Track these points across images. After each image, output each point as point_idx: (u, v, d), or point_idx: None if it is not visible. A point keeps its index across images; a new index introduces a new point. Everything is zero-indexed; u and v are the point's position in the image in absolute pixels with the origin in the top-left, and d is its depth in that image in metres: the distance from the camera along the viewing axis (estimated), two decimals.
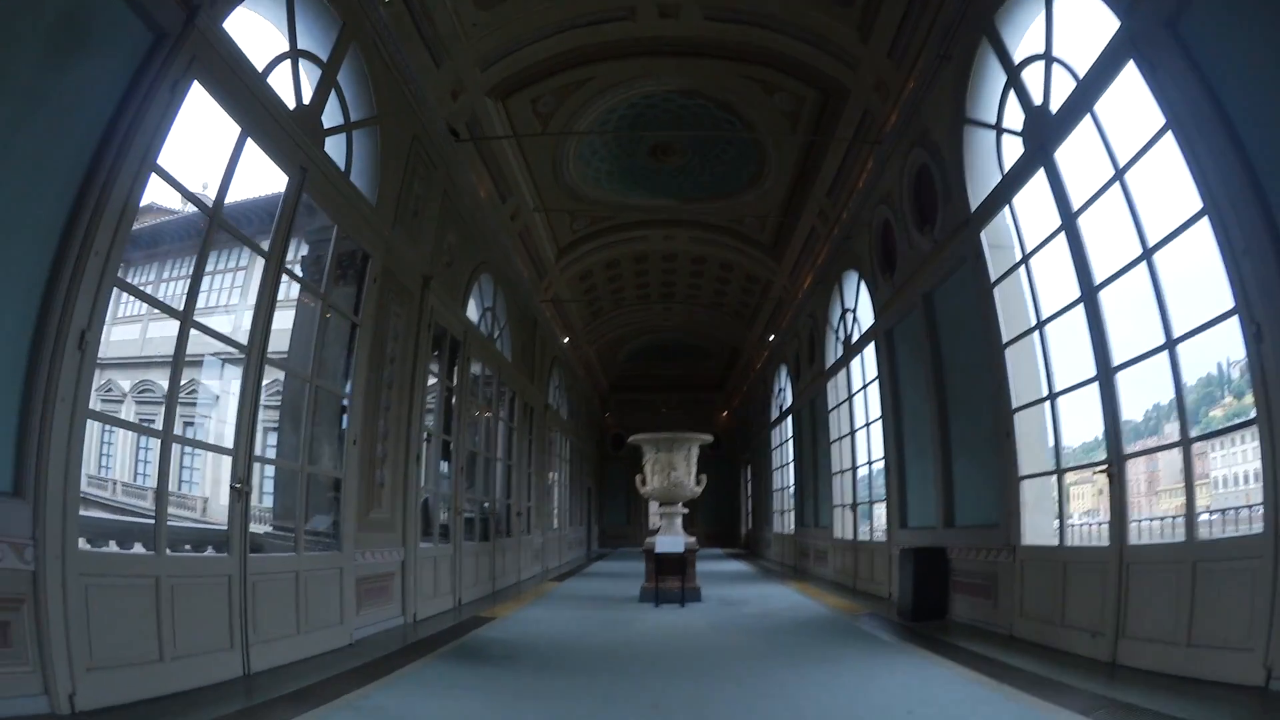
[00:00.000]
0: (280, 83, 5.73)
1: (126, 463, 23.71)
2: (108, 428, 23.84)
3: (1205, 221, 4.55)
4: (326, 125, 6.47)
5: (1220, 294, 4.50)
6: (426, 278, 8.63)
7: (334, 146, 6.69)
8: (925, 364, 8.83)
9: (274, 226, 5.82)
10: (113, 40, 4.19)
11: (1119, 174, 5.33)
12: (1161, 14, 4.65)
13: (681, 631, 7.64)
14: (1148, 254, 5.12)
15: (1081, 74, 5.60)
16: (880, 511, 11.69)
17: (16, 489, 3.75)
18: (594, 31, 8.98)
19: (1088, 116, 5.61)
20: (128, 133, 4.21)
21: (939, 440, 8.51)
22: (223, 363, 19.85)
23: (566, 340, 19.02)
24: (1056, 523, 6.72)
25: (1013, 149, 6.83)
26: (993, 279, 7.14)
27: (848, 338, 12.92)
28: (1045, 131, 6.12)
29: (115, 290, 4.31)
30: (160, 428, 4.86)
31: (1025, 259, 6.78)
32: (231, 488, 5.23)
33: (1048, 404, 6.52)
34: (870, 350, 11.41)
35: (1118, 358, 5.54)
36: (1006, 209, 6.95)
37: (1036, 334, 6.67)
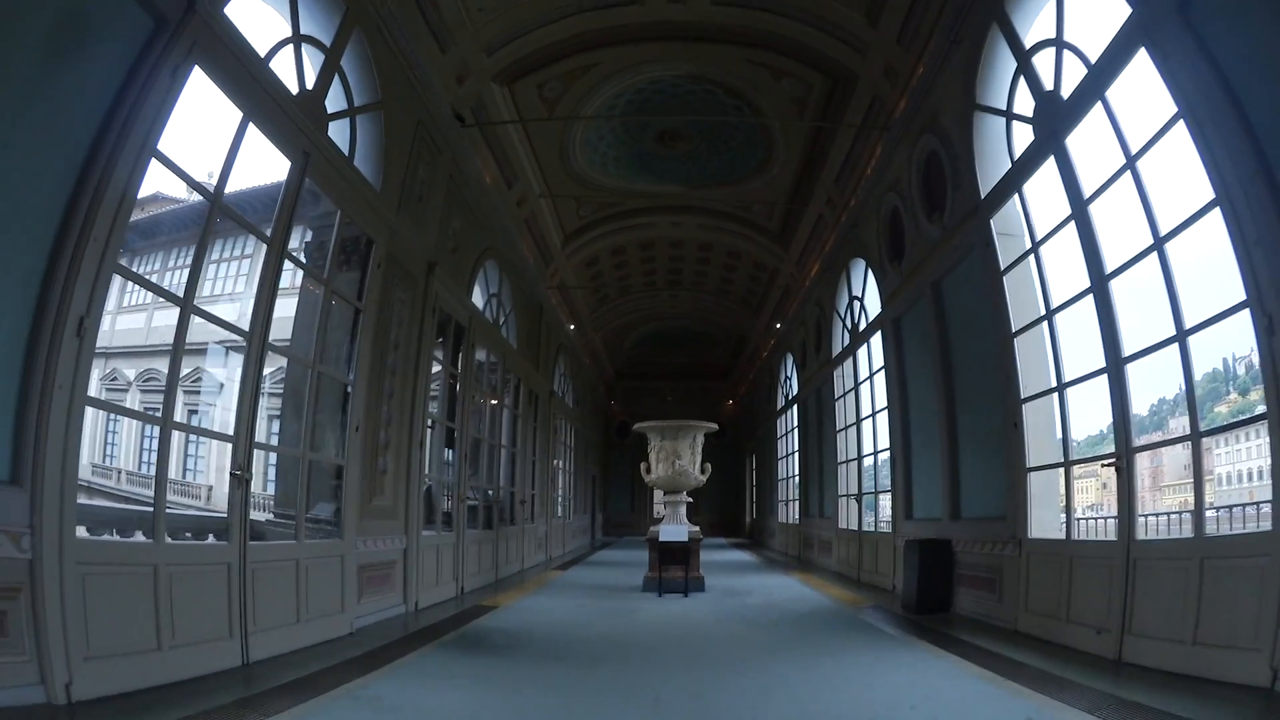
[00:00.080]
0: (283, 68, 5.69)
1: (131, 451, 23.81)
2: (113, 416, 23.93)
3: (1217, 211, 4.47)
4: (330, 110, 6.41)
5: (1231, 286, 4.43)
6: (431, 264, 8.58)
7: (338, 132, 6.64)
8: (933, 353, 8.75)
9: (276, 212, 5.77)
10: (113, 26, 4.15)
11: (1130, 162, 5.23)
12: (1172, 0, 4.55)
13: (684, 622, 7.61)
14: (1159, 244, 5.03)
15: (1093, 60, 5.50)
16: (885, 502, 11.65)
17: (14, 477, 3.73)
18: (600, 16, 8.90)
19: (1099, 103, 5.51)
20: (128, 118, 4.17)
21: (946, 431, 8.44)
22: (227, 351, 19.87)
23: (572, 327, 18.98)
24: (1063, 516, 6.65)
25: (1023, 136, 6.72)
26: (1002, 267, 7.05)
27: (855, 326, 12.84)
28: (1056, 118, 6.02)
29: (122, 280, 4.28)
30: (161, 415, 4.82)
31: (1035, 247, 6.68)
32: (232, 475, 5.21)
33: (1056, 395, 6.44)
34: (877, 339, 11.34)
35: (1126, 349, 5.47)
36: (1016, 196, 6.84)
37: (1046, 324, 6.58)
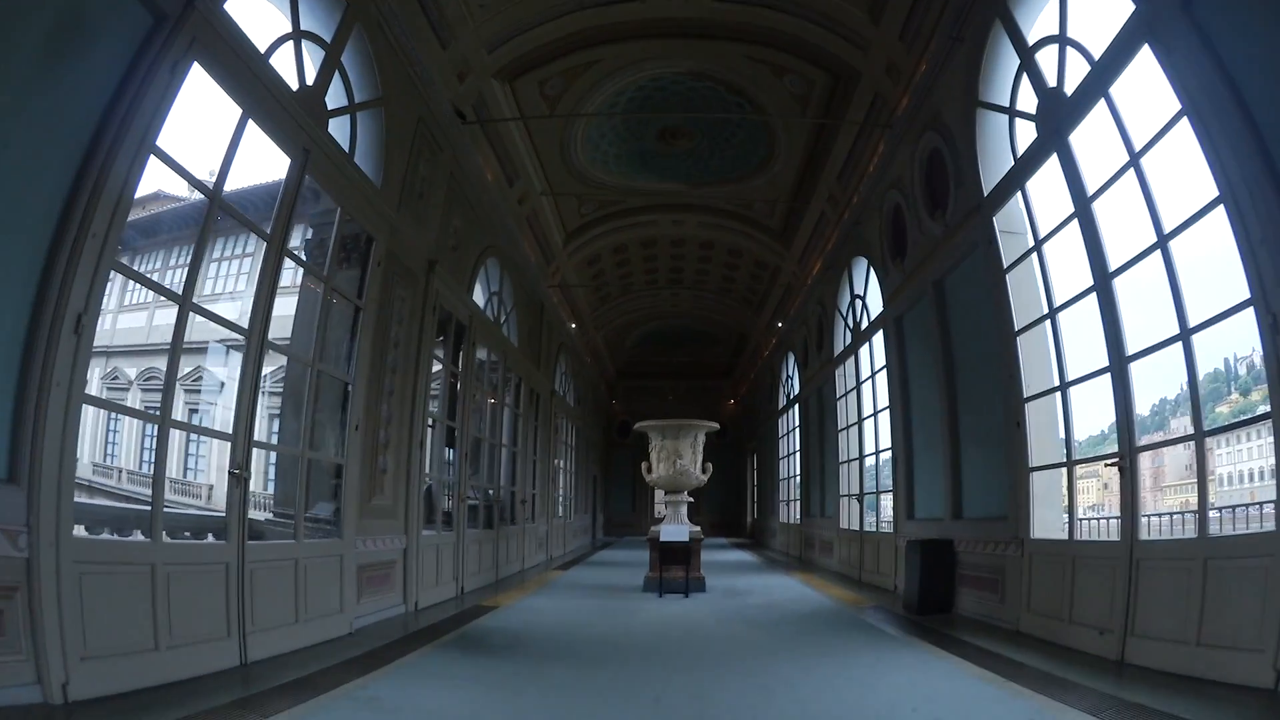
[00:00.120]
0: (283, 64, 5.67)
1: (132, 450, 23.81)
2: (114, 415, 23.93)
3: (1221, 209, 4.44)
4: (330, 107, 6.39)
5: (1233, 285, 4.41)
6: (432, 261, 8.55)
7: (338, 129, 6.62)
8: (935, 352, 8.72)
9: (275, 209, 5.75)
10: (112, 23, 4.14)
11: (1134, 159, 5.20)
12: None
13: (685, 622, 7.59)
14: (1163, 241, 4.99)
15: (1096, 57, 5.46)
16: (887, 502, 11.62)
17: (11, 475, 3.71)
18: (602, 13, 8.87)
19: (1102, 100, 5.48)
20: (126, 115, 4.16)
21: (948, 430, 8.41)
22: (228, 350, 19.88)
23: (574, 326, 18.95)
24: (1065, 517, 6.62)
25: (1026, 133, 6.68)
26: (1005, 265, 7.02)
27: (856, 325, 12.81)
28: (1059, 115, 5.99)
29: (123, 278, 4.27)
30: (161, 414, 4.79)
31: (1038, 245, 6.65)
32: (230, 473, 5.18)
33: (1059, 394, 6.41)
34: (879, 338, 11.31)
35: (1130, 349, 5.43)
36: (1019, 194, 6.81)
37: (1048, 322, 6.55)
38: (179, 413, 21.87)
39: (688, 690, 4.76)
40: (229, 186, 5.24)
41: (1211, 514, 5.02)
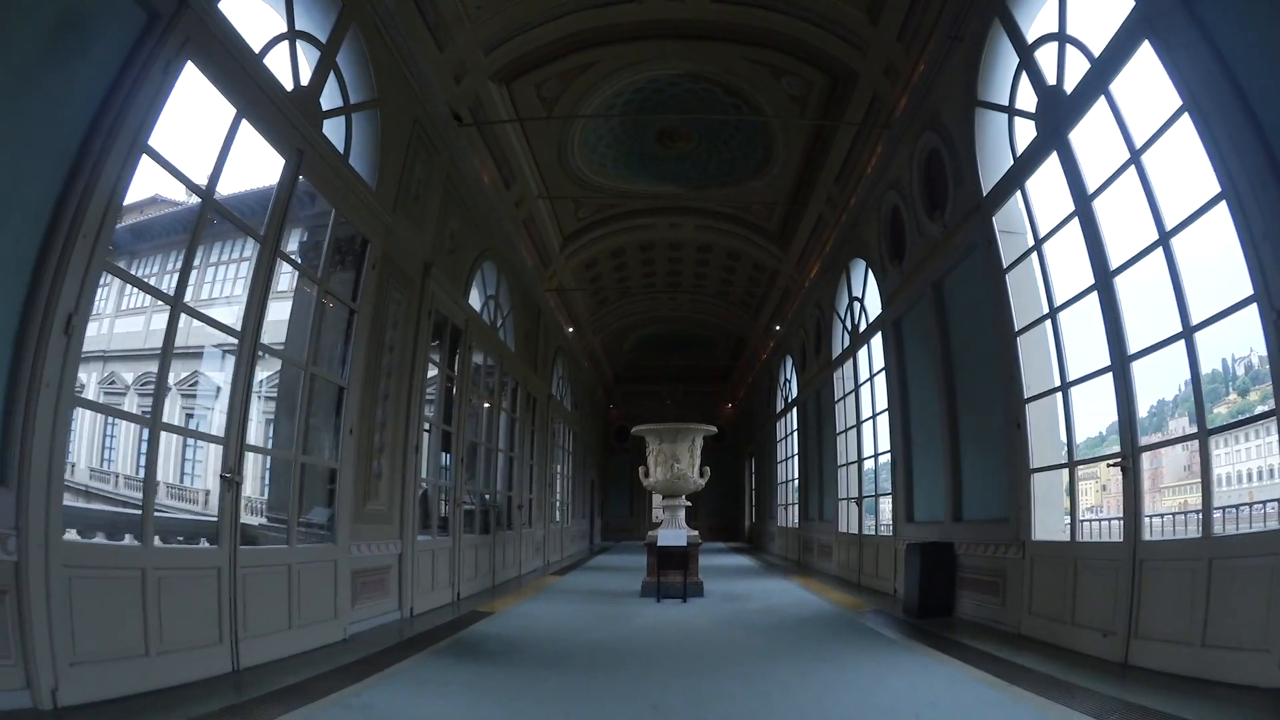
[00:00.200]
0: (277, 64, 5.63)
1: (129, 455, 23.73)
2: (111, 420, 23.85)
3: (1223, 205, 4.40)
4: (325, 108, 6.34)
5: (1235, 284, 4.36)
6: (427, 264, 8.50)
7: (333, 130, 6.56)
8: (934, 354, 8.68)
9: (269, 209, 5.69)
10: (106, 21, 4.10)
11: (1135, 156, 5.16)
12: None
13: (683, 628, 7.52)
14: (1164, 239, 4.95)
15: (1096, 54, 5.43)
16: (886, 505, 11.56)
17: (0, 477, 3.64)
18: (599, 14, 8.85)
19: (1102, 98, 5.44)
20: (119, 114, 4.12)
21: (947, 432, 8.36)
22: (224, 354, 19.80)
23: (571, 330, 18.90)
24: (1066, 518, 6.57)
25: (1025, 132, 6.64)
26: (1005, 265, 6.98)
27: (855, 327, 12.76)
28: (1059, 113, 5.95)
29: (121, 283, 4.22)
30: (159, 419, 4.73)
31: (1038, 245, 6.60)
32: (222, 477, 5.12)
33: (1059, 395, 6.36)
34: (878, 340, 11.26)
35: (1131, 348, 5.39)
36: (1019, 193, 6.76)
37: (1049, 322, 6.51)
38: (176, 417, 21.82)
39: (686, 695, 4.70)
40: (225, 190, 5.21)
41: (1220, 515, 4.97)
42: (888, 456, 10.82)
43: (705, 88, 10.33)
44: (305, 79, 6.03)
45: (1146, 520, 5.50)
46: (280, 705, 4.14)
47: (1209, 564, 4.51)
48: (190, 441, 23.09)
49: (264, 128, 5.46)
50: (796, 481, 17.97)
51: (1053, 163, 6.15)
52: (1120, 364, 5.41)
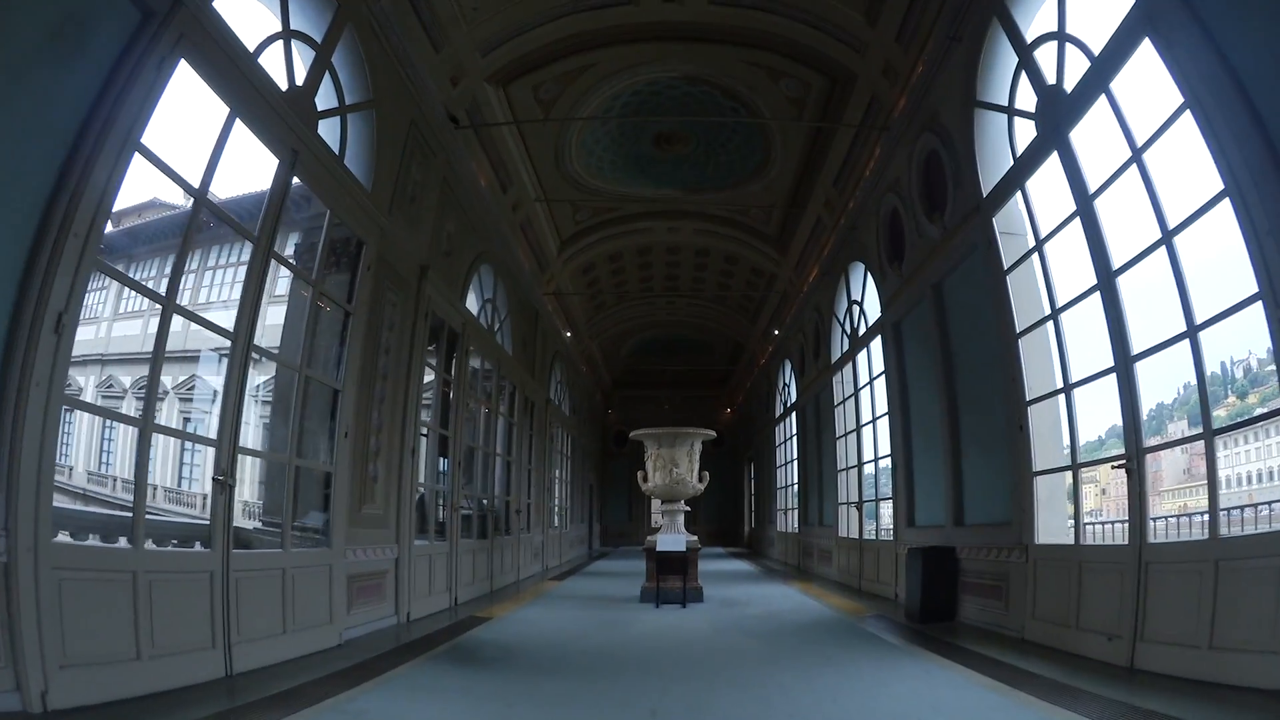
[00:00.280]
0: (272, 64, 5.58)
1: (127, 459, 23.61)
2: (109, 424, 23.77)
3: (1227, 202, 4.36)
4: (320, 108, 6.30)
5: (1236, 284, 4.32)
6: (424, 267, 8.45)
7: (328, 130, 6.51)
8: (934, 356, 8.63)
9: (263, 209, 5.64)
10: (100, 18, 4.07)
11: (1136, 155, 5.12)
12: None
13: (682, 633, 7.45)
14: (1167, 237, 4.91)
15: (1096, 52, 5.39)
16: (886, 509, 11.50)
17: None
18: (596, 16, 8.80)
19: (1103, 96, 5.40)
20: (111, 111, 4.08)
21: (949, 435, 8.30)
22: (220, 358, 19.72)
23: (569, 335, 18.85)
24: (1070, 521, 6.51)
25: (1025, 132, 6.60)
26: (1005, 267, 6.93)
27: (854, 331, 12.71)
28: (1059, 112, 5.91)
29: (119, 286, 4.17)
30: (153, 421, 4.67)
31: (1039, 245, 6.55)
32: (214, 480, 5.06)
33: (1062, 396, 6.30)
34: (877, 344, 11.20)
35: (1134, 348, 5.33)
36: (1019, 194, 6.71)
37: (1051, 323, 6.45)
38: (174, 421, 21.73)
39: (685, 701, 4.64)
40: (222, 195, 5.17)
41: (1225, 516, 4.92)
42: (888, 460, 10.76)
43: (703, 90, 10.29)
44: (300, 79, 5.98)
45: (1154, 523, 5.45)
46: (274, 711, 4.08)
47: (1215, 566, 4.45)
48: (188, 445, 22.99)
49: (258, 127, 5.42)
50: (796, 486, 17.91)
51: (1053, 162, 6.11)
52: (1124, 364, 5.36)
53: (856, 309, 12.54)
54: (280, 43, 5.80)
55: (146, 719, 3.82)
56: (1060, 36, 5.84)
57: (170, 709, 4.03)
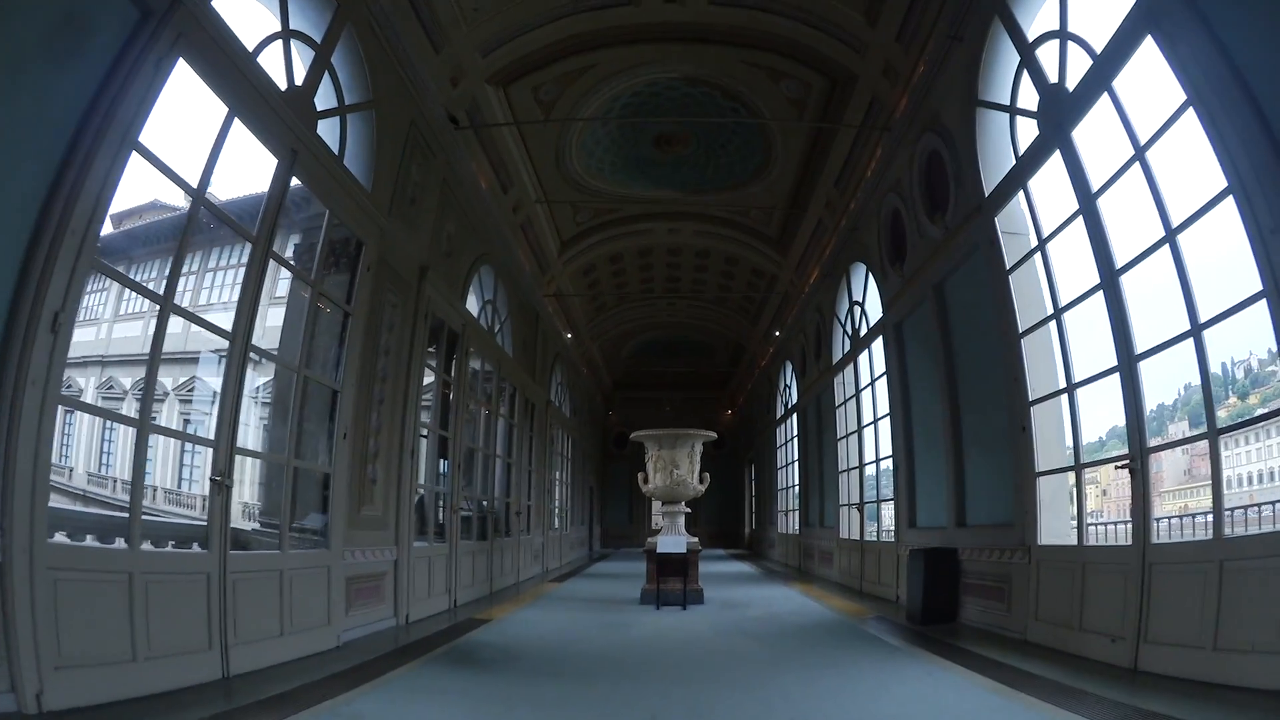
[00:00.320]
0: (271, 64, 5.57)
1: (127, 461, 23.61)
2: (110, 425, 23.76)
3: (1230, 200, 4.33)
4: (319, 108, 6.28)
5: (1245, 279, 4.29)
6: (424, 268, 8.42)
7: (327, 131, 6.49)
8: (936, 357, 8.60)
9: (261, 209, 5.61)
10: (99, 17, 4.05)
11: (1139, 153, 5.10)
12: None
13: (683, 635, 7.41)
14: (1171, 235, 4.88)
15: (1098, 50, 5.37)
16: (888, 511, 11.46)
17: None
18: (596, 17, 8.78)
19: (1105, 94, 5.38)
20: (109, 110, 4.06)
21: (950, 436, 8.27)
22: (220, 359, 19.71)
23: (569, 336, 18.82)
24: (1073, 522, 6.48)
25: (1027, 131, 6.58)
26: (1008, 266, 6.90)
27: (855, 332, 12.69)
28: (1061, 111, 5.89)
29: (120, 287, 4.14)
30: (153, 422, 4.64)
31: (1041, 245, 6.52)
32: (211, 481, 5.03)
33: (1065, 396, 6.27)
34: (878, 344, 11.17)
35: (1138, 348, 5.30)
36: (1021, 193, 6.69)
37: (1054, 323, 6.41)
38: (174, 422, 21.71)
39: (685, 704, 4.61)
40: (223, 196, 5.15)
41: (1228, 516, 4.89)
42: (889, 462, 10.73)
43: (703, 91, 10.27)
44: (300, 79, 5.97)
45: (1156, 523, 5.42)
46: (270, 713, 4.06)
47: (1220, 566, 4.43)
48: (188, 446, 22.99)
49: (257, 127, 5.40)
50: (797, 487, 17.87)
51: (1056, 161, 6.08)
52: (1127, 364, 5.33)
53: (858, 310, 12.52)
54: (279, 42, 5.79)
55: None
56: (1062, 35, 5.82)
57: (167, 711, 4.00)
